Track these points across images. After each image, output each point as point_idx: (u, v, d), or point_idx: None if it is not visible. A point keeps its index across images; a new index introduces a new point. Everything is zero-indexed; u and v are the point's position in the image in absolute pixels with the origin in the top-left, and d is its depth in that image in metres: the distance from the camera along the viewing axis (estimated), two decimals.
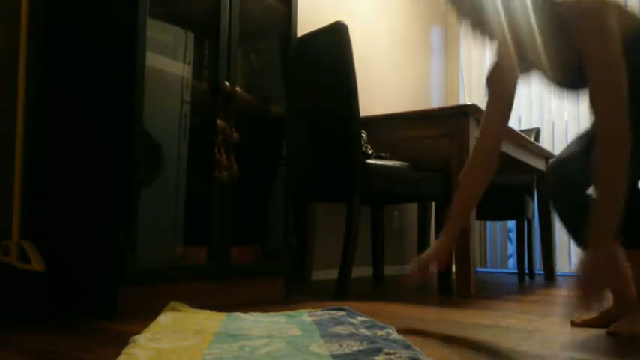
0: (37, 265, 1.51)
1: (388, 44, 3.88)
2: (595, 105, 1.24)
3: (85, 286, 1.57)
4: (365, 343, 1.12)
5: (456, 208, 1.50)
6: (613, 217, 1.18)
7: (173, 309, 1.45)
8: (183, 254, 1.79)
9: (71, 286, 1.58)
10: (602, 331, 1.40)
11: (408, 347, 1.08)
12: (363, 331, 1.28)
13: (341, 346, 1.10)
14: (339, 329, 1.28)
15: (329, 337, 1.19)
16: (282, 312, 1.53)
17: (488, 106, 1.51)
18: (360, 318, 1.43)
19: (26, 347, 1.09)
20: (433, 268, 1.47)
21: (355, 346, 1.09)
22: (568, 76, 1.41)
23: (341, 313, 1.49)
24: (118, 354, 0.95)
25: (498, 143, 1.52)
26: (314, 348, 1.08)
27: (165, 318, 1.33)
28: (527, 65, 1.48)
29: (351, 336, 1.20)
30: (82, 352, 1.06)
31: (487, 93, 1.53)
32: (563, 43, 1.32)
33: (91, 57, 1.64)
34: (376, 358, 0.99)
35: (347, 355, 1.02)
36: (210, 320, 1.35)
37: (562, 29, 1.30)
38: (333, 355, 1.01)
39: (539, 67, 1.45)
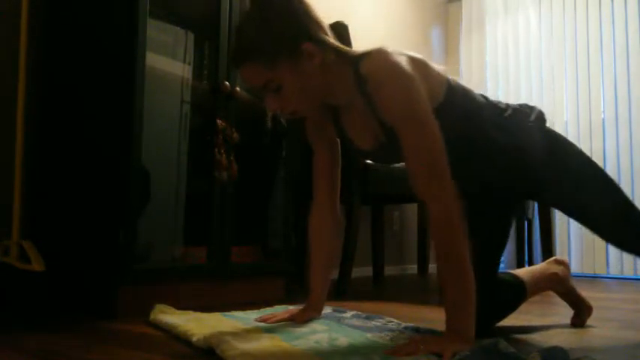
0: (37, 265, 1.51)
1: (388, 44, 3.87)
2: (415, 182, 1.05)
3: (85, 286, 1.57)
4: (399, 332, 1.16)
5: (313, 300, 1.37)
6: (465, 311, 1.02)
7: (162, 311, 1.42)
8: (183, 254, 1.78)
9: (71, 286, 1.58)
10: (602, 331, 1.40)
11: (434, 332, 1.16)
12: (375, 323, 1.30)
13: (389, 337, 1.13)
14: (351, 322, 1.30)
15: (358, 328, 1.22)
16: (257, 309, 1.51)
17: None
18: (350, 313, 1.44)
19: (26, 347, 1.09)
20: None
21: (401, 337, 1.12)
22: (381, 146, 1.22)
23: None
24: (118, 354, 0.95)
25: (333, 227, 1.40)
26: (374, 338, 1.11)
27: (178, 319, 1.29)
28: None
29: (377, 328, 1.23)
30: (82, 352, 1.06)
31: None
32: (367, 104, 1.15)
33: (91, 57, 1.64)
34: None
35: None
36: (223, 321, 1.32)
37: (365, 91, 1.14)
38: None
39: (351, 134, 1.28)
